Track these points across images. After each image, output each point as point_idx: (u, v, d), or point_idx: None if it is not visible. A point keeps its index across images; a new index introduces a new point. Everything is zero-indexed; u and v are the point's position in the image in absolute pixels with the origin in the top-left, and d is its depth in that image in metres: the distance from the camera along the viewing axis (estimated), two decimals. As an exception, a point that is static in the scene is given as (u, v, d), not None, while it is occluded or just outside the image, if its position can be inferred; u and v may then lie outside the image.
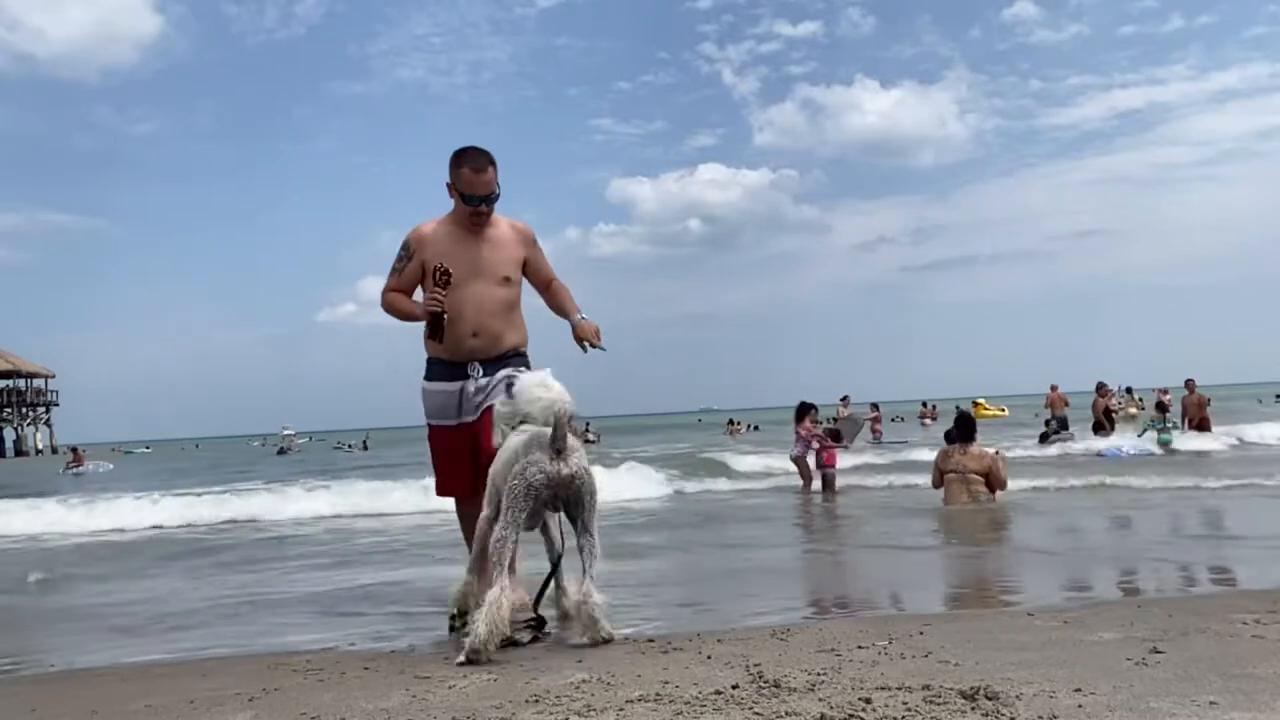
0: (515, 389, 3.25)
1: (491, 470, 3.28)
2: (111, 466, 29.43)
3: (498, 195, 3.95)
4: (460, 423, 3.99)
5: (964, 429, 8.12)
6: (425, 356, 4.06)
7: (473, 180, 3.88)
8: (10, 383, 65.85)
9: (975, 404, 47.11)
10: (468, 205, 3.91)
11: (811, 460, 11.08)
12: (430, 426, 4.08)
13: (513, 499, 2.97)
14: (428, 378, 4.05)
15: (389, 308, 4.06)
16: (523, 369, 3.89)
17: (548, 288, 4.17)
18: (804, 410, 11.45)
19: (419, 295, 4.02)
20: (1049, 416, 20.09)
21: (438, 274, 3.78)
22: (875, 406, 26.13)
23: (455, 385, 3.96)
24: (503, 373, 3.89)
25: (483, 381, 3.94)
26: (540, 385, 3.14)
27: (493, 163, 3.93)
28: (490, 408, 3.82)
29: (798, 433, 11.38)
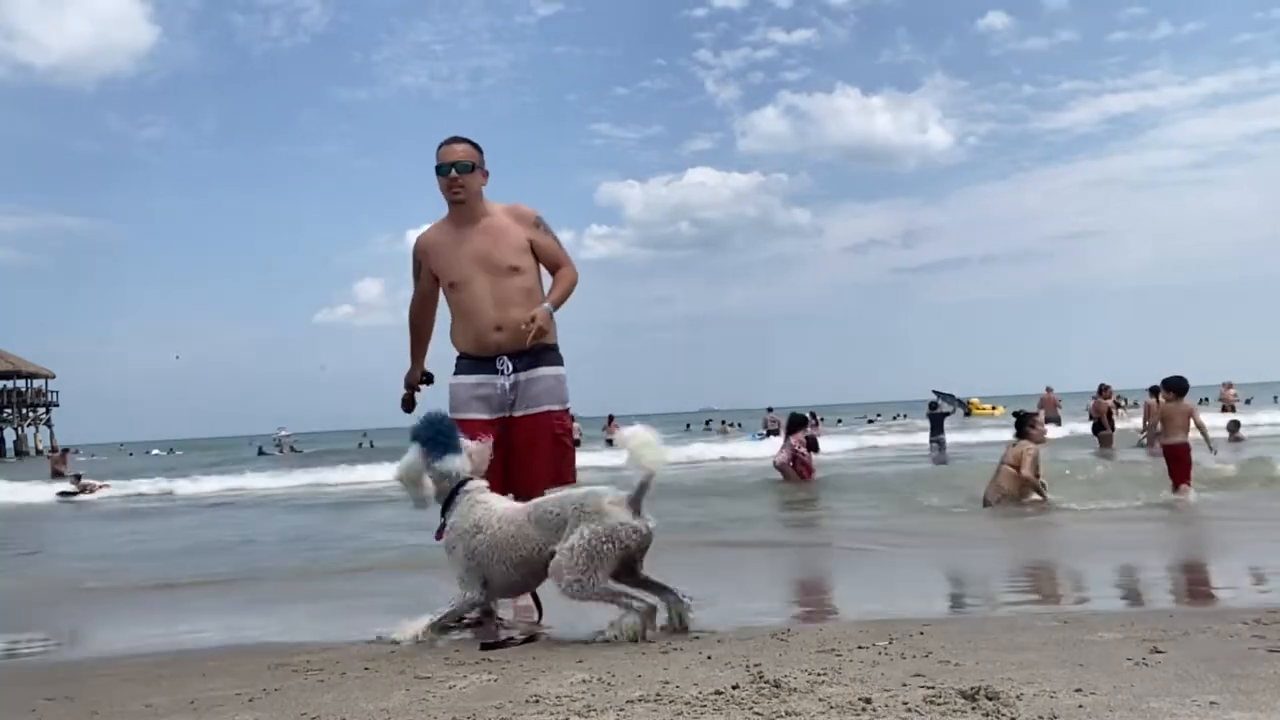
0: (621, 437, 3.20)
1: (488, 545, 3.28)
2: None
3: (470, 165, 3.95)
4: (492, 418, 3.94)
5: (1016, 425, 8.78)
6: (455, 354, 4.06)
7: (443, 154, 3.95)
8: (10, 383, 65.85)
9: (970, 403, 47.13)
10: (439, 175, 3.96)
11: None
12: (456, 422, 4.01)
13: (602, 559, 3.01)
14: (457, 373, 4.05)
15: (410, 328, 4.25)
16: (555, 366, 4.00)
17: (555, 273, 4.12)
18: (799, 423, 11.71)
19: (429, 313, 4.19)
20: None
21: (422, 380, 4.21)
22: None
23: (486, 379, 3.94)
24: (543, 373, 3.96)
25: (514, 378, 3.93)
26: (647, 445, 3.05)
27: (467, 141, 4.01)
28: (529, 416, 3.91)
29: (789, 443, 11.60)
